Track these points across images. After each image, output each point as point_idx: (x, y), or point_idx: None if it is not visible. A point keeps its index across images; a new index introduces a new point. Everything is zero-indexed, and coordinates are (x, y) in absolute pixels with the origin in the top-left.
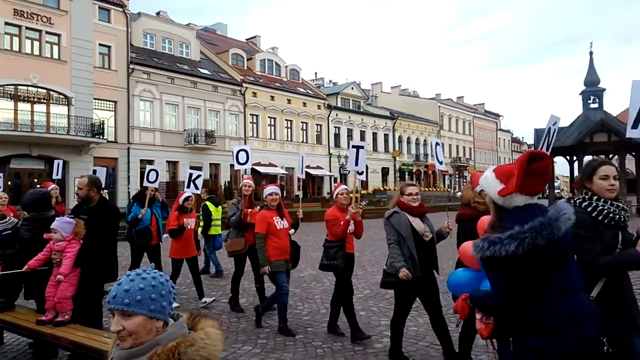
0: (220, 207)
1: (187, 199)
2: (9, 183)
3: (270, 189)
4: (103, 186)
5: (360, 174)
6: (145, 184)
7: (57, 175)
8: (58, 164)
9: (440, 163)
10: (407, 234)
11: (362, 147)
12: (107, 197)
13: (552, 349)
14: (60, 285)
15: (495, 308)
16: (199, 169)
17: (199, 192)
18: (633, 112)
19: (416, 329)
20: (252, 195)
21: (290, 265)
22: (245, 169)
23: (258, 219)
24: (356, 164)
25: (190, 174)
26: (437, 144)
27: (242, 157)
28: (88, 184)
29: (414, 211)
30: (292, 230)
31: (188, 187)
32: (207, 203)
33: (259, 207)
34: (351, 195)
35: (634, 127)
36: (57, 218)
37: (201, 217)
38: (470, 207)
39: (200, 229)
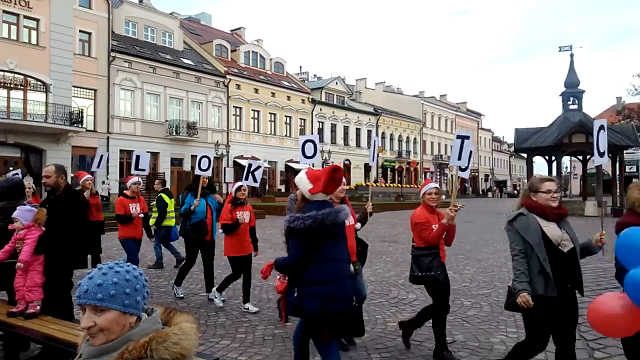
0: (173, 199)
1: (239, 189)
2: None
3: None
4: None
5: (464, 169)
6: (197, 172)
7: (97, 167)
8: (101, 155)
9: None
10: (536, 242)
11: (467, 138)
12: (110, 188)
13: (320, 294)
14: (28, 274)
15: (288, 268)
16: (180, 160)
17: (257, 184)
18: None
19: (396, 325)
20: None
21: (358, 267)
22: (312, 163)
23: None
24: (459, 158)
25: (250, 165)
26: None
27: (310, 149)
28: (55, 171)
29: (549, 214)
30: (359, 225)
31: (246, 179)
32: (162, 195)
33: None
34: (442, 195)
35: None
36: (18, 207)
37: (155, 209)
38: (636, 214)
39: (153, 220)
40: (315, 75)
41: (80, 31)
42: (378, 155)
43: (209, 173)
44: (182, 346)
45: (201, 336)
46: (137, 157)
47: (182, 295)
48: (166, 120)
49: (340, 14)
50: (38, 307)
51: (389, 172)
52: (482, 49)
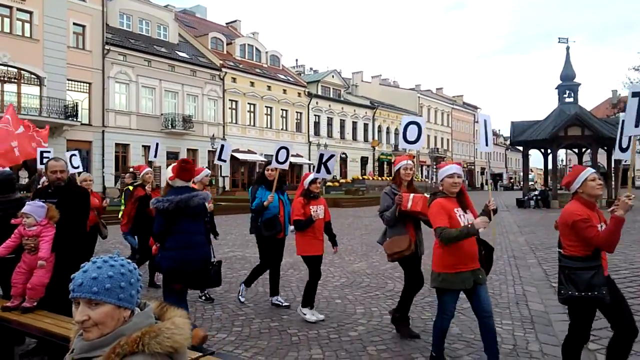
0: None
1: (313, 181)
2: None
3: (449, 168)
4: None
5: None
6: (274, 164)
7: (154, 157)
8: (157, 143)
9: (487, 145)
10: None
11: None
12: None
13: (174, 257)
14: (38, 272)
15: (157, 236)
16: (176, 154)
17: (330, 176)
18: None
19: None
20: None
21: (483, 276)
22: (408, 149)
23: (434, 210)
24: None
25: (321, 155)
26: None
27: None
28: (65, 165)
29: None
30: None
31: (318, 171)
32: (131, 188)
33: (429, 194)
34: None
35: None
36: (27, 202)
37: (123, 202)
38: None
39: (120, 213)
40: (311, 69)
41: (74, 24)
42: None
43: (286, 166)
44: (174, 340)
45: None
46: (222, 146)
47: (243, 299)
48: (161, 114)
49: (337, 7)
50: (35, 303)
51: (385, 166)
52: (478, 42)
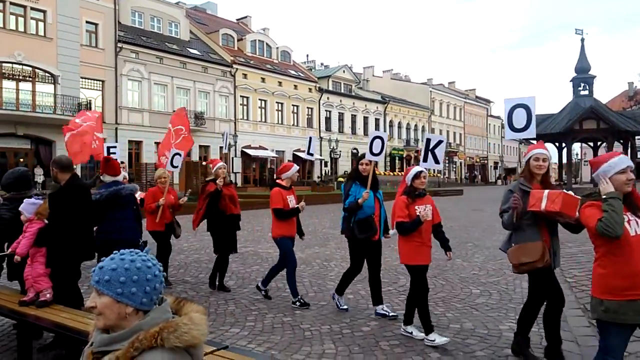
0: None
1: (417, 175)
2: None
3: (620, 161)
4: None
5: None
6: (369, 157)
7: (226, 149)
8: (225, 133)
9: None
10: None
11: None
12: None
13: (103, 238)
14: (32, 265)
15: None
16: (188, 151)
17: (440, 166)
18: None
19: (403, 312)
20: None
21: None
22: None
23: (586, 213)
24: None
25: (428, 141)
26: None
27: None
28: (50, 164)
29: None
30: None
31: (424, 160)
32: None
33: (581, 196)
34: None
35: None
36: (25, 199)
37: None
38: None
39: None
40: (322, 64)
41: (86, 22)
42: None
43: (380, 158)
44: (192, 335)
45: (211, 324)
46: (310, 139)
47: (346, 307)
48: (174, 111)
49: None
50: (48, 295)
51: (397, 161)
52: (491, 35)
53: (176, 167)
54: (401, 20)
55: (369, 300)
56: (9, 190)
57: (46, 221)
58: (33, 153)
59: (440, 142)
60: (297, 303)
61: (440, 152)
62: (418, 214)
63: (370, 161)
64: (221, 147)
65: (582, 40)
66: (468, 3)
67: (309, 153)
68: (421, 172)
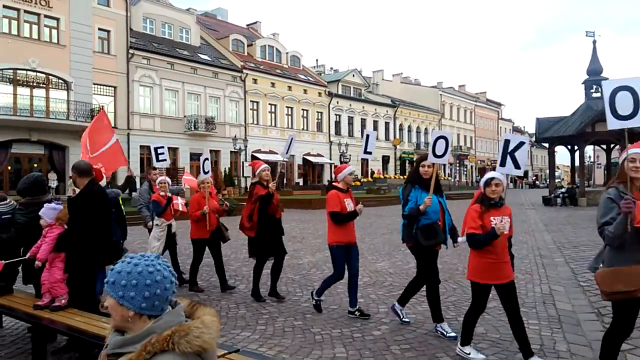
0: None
1: (488, 183)
2: (9, 168)
3: None
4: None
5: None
6: (432, 159)
7: (286, 153)
8: (292, 139)
9: (442, 156)
10: None
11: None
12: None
13: None
14: (50, 270)
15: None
16: (199, 156)
17: (520, 172)
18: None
19: (415, 316)
20: None
21: None
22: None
23: None
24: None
25: (507, 142)
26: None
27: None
28: (72, 169)
29: None
30: None
31: (502, 164)
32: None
33: None
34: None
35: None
36: (45, 204)
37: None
38: None
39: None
40: (331, 68)
41: (99, 29)
42: (367, 149)
43: (444, 160)
44: (203, 340)
45: (222, 328)
46: (367, 136)
47: (408, 320)
48: (185, 116)
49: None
50: (64, 301)
51: (407, 165)
52: (501, 38)
53: (163, 161)
54: (411, 25)
55: (380, 304)
56: (24, 195)
57: (66, 226)
58: (47, 159)
59: (521, 144)
60: (357, 313)
61: (521, 155)
62: (494, 225)
63: (433, 164)
64: (232, 152)
65: (594, 42)
66: (478, 7)
67: (366, 152)
68: (492, 178)
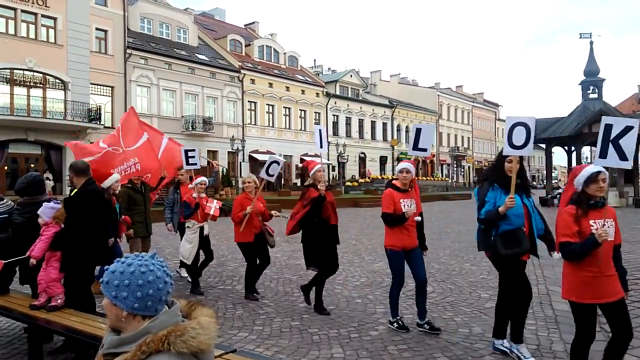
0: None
1: (593, 177)
2: (6, 168)
3: None
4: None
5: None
6: (509, 151)
7: (320, 147)
8: (320, 130)
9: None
10: None
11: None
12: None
13: None
14: (46, 269)
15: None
16: None
17: (629, 164)
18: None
19: (412, 317)
20: None
21: None
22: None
23: None
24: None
25: (608, 126)
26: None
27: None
28: (68, 169)
29: None
30: None
31: (602, 156)
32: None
33: None
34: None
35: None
36: (44, 203)
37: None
38: None
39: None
40: (329, 69)
41: (96, 29)
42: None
43: (527, 152)
44: (199, 340)
45: (219, 328)
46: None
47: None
48: (182, 116)
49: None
50: (60, 301)
51: None
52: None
53: (193, 164)
54: (408, 25)
55: (377, 305)
56: (22, 194)
57: (62, 225)
58: (44, 158)
59: (628, 128)
60: (395, 325)
61: (628, 142)
62: (593, 231)
63: (521, 157)
64: (229, 152)
65: (591, 43)
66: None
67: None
68: (599, 173)
